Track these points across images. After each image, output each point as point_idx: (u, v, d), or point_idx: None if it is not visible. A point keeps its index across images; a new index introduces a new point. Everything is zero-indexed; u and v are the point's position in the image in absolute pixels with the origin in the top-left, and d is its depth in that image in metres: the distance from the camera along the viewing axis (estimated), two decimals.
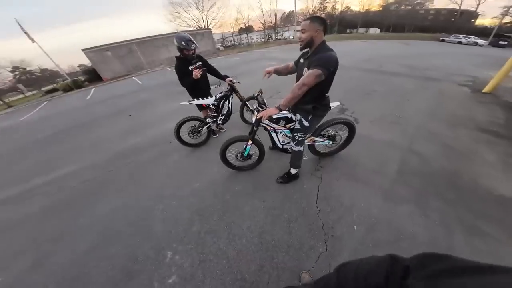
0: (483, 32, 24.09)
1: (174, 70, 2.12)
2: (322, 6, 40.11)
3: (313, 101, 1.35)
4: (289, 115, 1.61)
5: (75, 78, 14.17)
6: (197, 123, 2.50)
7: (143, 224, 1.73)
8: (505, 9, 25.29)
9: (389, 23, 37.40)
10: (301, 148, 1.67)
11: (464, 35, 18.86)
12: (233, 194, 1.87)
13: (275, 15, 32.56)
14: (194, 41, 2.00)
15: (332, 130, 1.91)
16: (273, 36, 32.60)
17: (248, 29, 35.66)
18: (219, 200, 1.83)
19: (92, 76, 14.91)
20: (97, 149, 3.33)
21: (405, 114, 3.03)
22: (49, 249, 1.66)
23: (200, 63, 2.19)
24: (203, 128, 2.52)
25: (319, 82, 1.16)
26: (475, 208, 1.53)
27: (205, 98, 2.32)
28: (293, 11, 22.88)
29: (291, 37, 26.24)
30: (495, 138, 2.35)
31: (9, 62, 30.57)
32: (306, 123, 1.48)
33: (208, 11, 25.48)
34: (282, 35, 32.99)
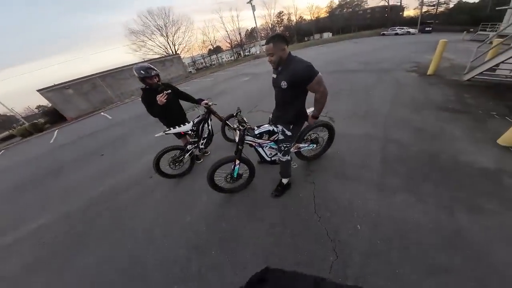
0: (411, 21, 28.63)
1: (142, 103, 2.02)
2: (279, 19, 44.14)
3: (293, 110, 1.41)
4: (271, 128, 1.62)
5: (34, 121, 12.71)
6: (177, 152, 2.35)
7: (137, 271, 1.53)
8: (420, 0, 30.56)
9: (338, 26, 42.68)
10: (289, 157, 1.67)
11: (399, 27, 22.22)
12: (228, 220, 1.75)
13: (239, 33, 34.51)
14: (154, 67, 1.94)
15: (313, 133, 1.97)
16: (242, 53, 34.27)
17: (217, 50, 37.00)
18: (215, 230, 1.69)
19: (53, 117, 13.59)
20: (69, 197, 2.94)
21: (373, 106, 3.29)
22: None
23: (169, 91, 2.09)
24: (185, 156, 2.39)
25: (301, 93, 1.32)
26: (465, 185, 1.61)
27: (181, 125, 2.23)
28: (255, 27, 24.58)
29: (257, 52, 27.86)
30: (454, 114, 2.65)
31: None
32: (288, 133, 1.51)
33: (173, 36, 25.88)
34: (249, 51, 34.91)
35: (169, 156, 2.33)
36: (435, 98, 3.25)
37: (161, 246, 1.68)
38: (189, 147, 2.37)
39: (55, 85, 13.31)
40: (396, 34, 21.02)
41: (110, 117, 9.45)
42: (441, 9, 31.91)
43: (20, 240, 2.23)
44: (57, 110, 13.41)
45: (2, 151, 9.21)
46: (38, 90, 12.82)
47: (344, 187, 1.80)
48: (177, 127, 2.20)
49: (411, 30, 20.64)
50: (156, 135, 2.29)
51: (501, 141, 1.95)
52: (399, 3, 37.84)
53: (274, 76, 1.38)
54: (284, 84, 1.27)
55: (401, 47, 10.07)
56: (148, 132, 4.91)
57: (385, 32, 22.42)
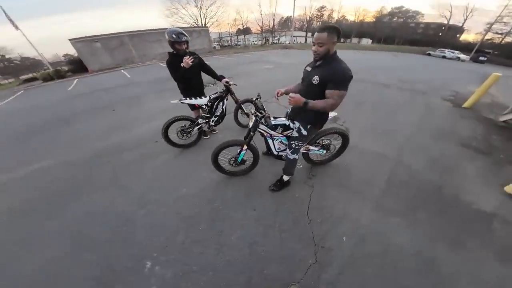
0: (466, 47, 25.24)
1: (166, 66, 2.01)
2: (319, 13, 41.32)
3: (315, 111, 1.33)
4: (287, 122, 1.57)
5: (58, 68, 13.24)
6: (187, 123, 2.38)
7: (122, 231, 1.59)
8: (488, 25, 27.01)
9: (380, 35, 39.21)
10: (297, 156, 1.64)
11: (449, 50, 20.02)
12: (223, 201, 1.79)
13: (273, 19, 32.98)
14: (186, 34, 1.91)
15: (327, 139, 1.91)
16: (270, 40, 32.92)
17: (246, 31, 35.77)
18: (208, 207, 1.74)
19: (77, 66, 14.06)
20: (74, 145, 3.06)
21: (394, 126, 3.14)
22: (9, 255, 1.47)
23: (196, 56, 2.07)
24: (194, 129, 2.41)
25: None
26: (456, 221, 1.60)
27: (198, 98, 2.22)
28: (291, 16, 23.28)
29: (287, 42, 26.66)
30: (474, 153, 2.50)
31: None
32: (304, 132, 1.47)
33: (206, 9, 25.20)
34: (279, 39, 33.44)
35: (179, 125, 2.36)
36: (461, 132, 3.06)
37: (152, 211, 1.74)
38: (199, 121, 2.38)
39: (86, 37, 13.66)
40: (444, 57, 19.07)
41: (129, 76, 9.57)
42: (508, 39, 27.70)
43: (17, 179, 2.31)
44: (82, 60, 13.78)
45: (22, 91, 9.59)
46: (70, 39, 13.19)
47: (342, 198, 1.79)
48: (193, 98, 2.20)
49: (462, 56, 18.56)
50: (171, 101, 2.28)
51: (509, 188, 1.87)
52: (460, 24, 33.95)
53: (308, 69, 1.31)
54: (316, 79, 1.20)
55: (445, 72, 9.35)
56: (162, 97, 4.96)
57: (431, 52, 20.48)
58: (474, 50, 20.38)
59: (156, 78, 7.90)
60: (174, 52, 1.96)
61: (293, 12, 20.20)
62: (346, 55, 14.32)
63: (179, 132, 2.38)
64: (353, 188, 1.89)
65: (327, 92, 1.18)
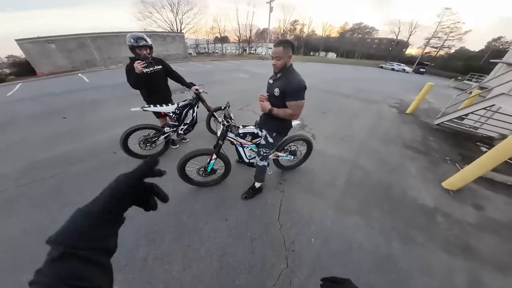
0: (410, 60, 30.35)
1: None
2: (292, 27, 44.75)
3: (279, 119, 1.42)
4: (255, 131, 1.62)
5: None
6: (151, 132, 2.20)
7: None
8: (426, 40, 32.53)
9: (343, 49, 44.43)
10: (266, 163, 1.69)
11: (397, 63, 23.94)
12: (191, 214, 1.69)
13: (250, 30, 34.23)
14: (146, 39, 1.82)
15: (293, 145, 2.03)
16: (247, 50, 33.96)
17: (224, 40, 36.18)
18: (173, 222, 1.62)
19: (22, 69, 11.91)
20: (9, 155, 2.55)
21: (352, 132, 3.53)
22: None
23: (150, 60, 1.85)
24: (159, 138, 2.25)
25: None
26: (405, 217, 1.82)
27: (164, 105, 2.10)
28: (267, 28, 24.62)
29: (263, 53, 27.89)
30: (415, 153, 2.97)
31: None
32: (270, 140, 1.53)
33: (183, 15, 24.81)
34: (255, 50, 34.75)
35: (142, 134, 2.17)
36: (404, 135, 3.61)
37: None
38: (166, 129, 2.24)
39: (38, 37, 11.88)
40: (393, 69, 22.54)
41: (87, 80, 8.52)
42: (441, 52, 33.75)
43: None
44: (29, 62, 11.76)
45: None
46: (17, 40, 11.26)
47: (309, 201, 1.89)
48: (158, 105, 2.07)
49: (406, 68, 22.24)
50: (132, 109, 2.10)
51: (445, 184, 2.24)
52: (406, 39, 39.67)
53: (271, 81, 1.40)
54: (277, 91, 1.29)
55: (393, 83, 11.05)
56: (124, 104, 4.53)
57: (383, 65, 24.07)
58: (416, 63, 24.67)
59: (119, 83, 7.22)
60: (135, 57, 1.84)
61: (269, 24, 21.35)
62: (315, 67, 15.76)
63: (142, 142, 2.19)
64: (317, 191, 2.02)
65: (287, 103, 1.30)
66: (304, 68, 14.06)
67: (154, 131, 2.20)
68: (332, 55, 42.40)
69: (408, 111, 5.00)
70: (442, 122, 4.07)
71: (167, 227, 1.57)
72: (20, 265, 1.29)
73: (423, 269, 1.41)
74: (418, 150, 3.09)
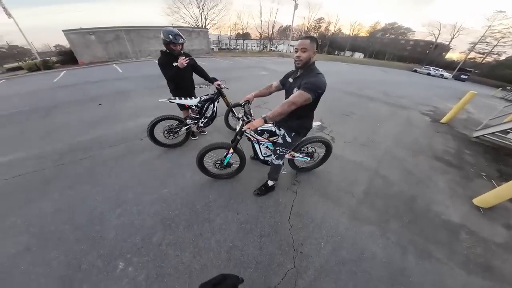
0: (450, 65, 27.00)
1: (158, 64, 2.00)
2: (317, 25, 42.89)
3: (299, 118, 1.38)
4: (273, 129, 1.62)
5: (46, 58, 12.63)
6: (175, 122, 2.35)
7: (94, 229, 1.53)
8: (472, 45, 28.81)
9: (372, 50, 41.18)
10: (281, 162, 1.68)
11: (434, 67, 21.43)
12: (205, 204, 1.77)
13: (273, 27, 33.78)
14: (183, 36, 1.93)
15: (311, 147, 1.98)
16: (268, 47, 33.60)
17: (245, 36, 36.33)
18: (188, 210, 1.71)
19: (67, 58, 13.55)
20: (51, 137, 2.90)
21: (375, 138, 3.31)
22: None
23: (191, 57, 2.09)
24: (182, 129, 2.39)
25: (310, 104, 1.21)
26: (426, 231, 1.69)
27: (188, 98, 2.21)
28: (289, 25, 24.05)
29: (284, 50, 27.38)
30: (446, 167, 2.69)
31: None
32: (288, 139, 1.50)
33: (208, 11, 25.57)
34: (276, 47, 34.23)
35: (166, 124, 2.32)
36: (436, 146, 3.28)
37: (128, 211, 1.68)
38: (188, 121, 2.37)
39: (81, 29, 13.39)
40: (429, 74, 20.27)
41: (120, 71, 9.30)
42: (489, 59, 29.77)
43: None
44: (73, 52, 13.28)
45: (3, 80, 9.00)
46: (64, 30, 12.88)
47: (322, 205, 1.84)
48: (183, 98, 2.18)
49: (445, 74, 19.89)
50: (160, 100, 2.24)
51: (476, 201, 2.02)
52: (447, 42, 35.62)
53: (291, 80, 1.36)
54: (296, 90, 1.23)
55: (427, 88, 10.03)
56: (152, 95, 4.86)
57: (417, 69, 21.80)
58: (457, 69, 21.90)
59: (148, 75, 7.74)
60: (167, 51, 1.96)
61: (292, 21, 20.89)
62: (337, 67, 14.98)
63: (166, 132, 2.34)
64: (333, 196, 1.95)
65: (296, 91, 1.19)
66: (326, 67, 13.46)
67: (177, 122, 2.34)
68: (359, 55, 39.69)
69: (443, 120, 4.50)
70: (482, 135, 3.60)
71: (183, 214, 1.66)
72: (49, 242, 1.43)
73: (437, 283, 1.32)
74: (450, 163, 2.79)
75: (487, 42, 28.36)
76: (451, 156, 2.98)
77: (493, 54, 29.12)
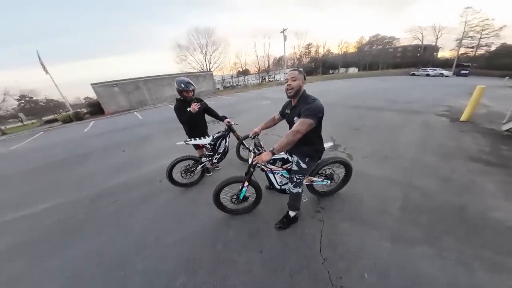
0: (446, 63, 26.99)
1: (174, 110, 2.24)
2: (307, 50, 46.85)
3: (309, 143, 1.40)
4: (286, 156, 1.61)
5: (78, 110, 14.77)
6: (191, 162, 2.46)
7: (119, 274, 1.52)
8: (458, 41, 28.71)
9: (365, 62, 42.90)
10: (300, 190, 1.60)
11: (431, 68, 21.39)
12: (225, 243, 1.68)
13: (268, 60, 37.50)
14: (193, 83, 2.18)
15: (329, 169, 1.90)
16: (266, 78, 36.61)
17: (245, 72, 40.27)
18: (209, 250, 1.63)
19: (95, 109, 15.72)
20: (83, 184, 3.17)
21: (397, 148, 3.13)
22: None
23: (203, 102, 2.34)
24: (198, 167, 2.48)
25: (314, 128, 1.26)
26: (491, 242, 1.43)
27: (202, 138, 2.37)
28: (282, 56, 26.54)
29: (281, 79, 29.57)
30: (488, 167, 2.39)
31: (18, 90, 29.98)
32: (303, 165, 1.48)
33: (211, 55, 29.40)
34: (274, 77, 37.19)
35: (183, 164, 2.44)
36: (467, 147, 2.99)
37: (152, 254, 1.67)
38: (203, 159, 2.47)
39: (105, 82, 15.84)
40: (428, 75, 20.31)
41: (141, 118, 10.46)
42: (481, 51, 29.42)
43: (19, 219, 2.41)
44: (100, 103, 15.47)
45: (41, 132, 10.54)
46: (92, 84, 15.27)
47: (356, 231, 1.65)
48: (197, 139, 2.34)
49: (445, 72, 19.80)
50: (177, 143, 2.40)
51: None
52: (434, 43, 36.24)
53: (288, 111, 1.43)
54: (296, 119, 1.29)
55: (433, 89, 9.79)
56: (170, 137, 5.26)
57: (415, 72, 21.89)
58: (454, 65, 21.64)
59: (165, 119, 8.56)
60: (182, 98, 2.21)
61: (284, 51, 23.09)
62: (334, 84, 15.52)
63: (183, 172, 2.44)
64: (366, 219, 1.76)
65: (298, 120, 1.23)
66: (324, 86, 14.00)
67: (194, 161, 2.45)
68: (353, 70, 41.34)
69: (462, 118, 4.21)
70: None
71: (203, 256, 1.58)
72: (77, 284, 1.48)
73: None
74: (490, 162, 2.49)
75: (471, 37, 28.57)
76: (488, 155, 2.68)
77: (482, 46, 29.03)
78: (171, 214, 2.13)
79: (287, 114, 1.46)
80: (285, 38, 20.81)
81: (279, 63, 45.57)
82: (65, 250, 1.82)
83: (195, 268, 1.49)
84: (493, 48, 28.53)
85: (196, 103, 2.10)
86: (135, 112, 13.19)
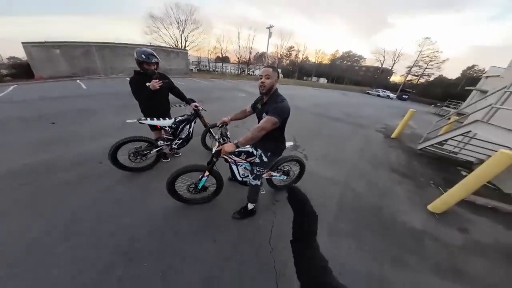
0: (394, 87, 31.70)
1: (129, 84, 1.92)
2: (288, 53, 48.40)
3: (273, 140, 1.47)
4: (251, 150, 1.65)
5: None
6: (144, 144, 2.16)
7: (33, 264, 1.26)
8: (408, 68, 35.13)
9: (334, 75, 47.83)
10: (259, 182, 1.67)
11: (382, 89, 25.60)
12: (176, 233, 1.59)
13: (250, 53, 36.60)
14: (157, 56, 1.93)
15: (287, 165, 2.05)
16: (246, 71, 35.89)
17: (225, 60, 38.14)
18: (156, 241, 1.52)
19: (20, 71, 11.82)
20: None
21: (343, 154, 3.66)
22: None
23: (166, 80, 2.07)
24: (152, 151, 2.21)
25: (280, 126, 1.31)
26: (395, 240, 1.83)
27: (161, 119, 2.12)
28: (265, 52, 26.48)
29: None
30: (401, 178, 3.08)
31: None
32: (265, 159, 1.55)
33: (188, 33, 26.19)
34: (253, 71, 36.81)
35: (133, 146, 2.12)
36: (391, 159, 3.78)
37: (83, 243, 1.44)
38: (160, 143, 2.22)
39: (45, 42, 12.15)
40: (378, 95, 24.17)
41: (84, 87, 8.50)
42: (422, 80, 36.30)
43: None
44: (30, 65, 11.77)
45: None
46: (23, 42, 11.52)
47: None
48: (155, 119, 2.08)
49: (391, 95, 23.98)
50: (127, 120, 2.05)
51: (430, 207, 2.32)
52: (390, 67, 42.57)
53: (259, 106, 1.47)
54: (264, 115, 1.33)
55: (378, 108, 11.84)
56: (119, 114, 4.49)
57: (369, 92, 25.75)
58: (399, 90, 26.42)
59: (117, 92, 7.24)
60: (141, 71, 1.92)
61: (267, 48, 22.95)
62: (308, 91, 16.78)
63: (132, 154, 2.12)
64: None
65: (265, 117, 1.28)
66: (297, 91, 14.95)
67: (147, 143, 2.17)
68: (323, 80, 45.39)
69: (393, 135, 5.31)
70: (424, 147, 4.30)
71: (149, 246, 1.46)
72: None
73: None
74: (404, 174, 3.22)
75: (419, 66, 35.12)
76: (404, 168, 3.45)
77: (425, 75, 36.18)
78: (113, 201, 1.86)
79: (258, 109, 1.49)
80: (270, 34, 20.73)
81: (260, 58, 45.30)
82: None
83: (137, 258, 1.36)
84: (432, 78, 35.44)
85: (157, 80, 1.86)
86: (78, 81, 10.62)
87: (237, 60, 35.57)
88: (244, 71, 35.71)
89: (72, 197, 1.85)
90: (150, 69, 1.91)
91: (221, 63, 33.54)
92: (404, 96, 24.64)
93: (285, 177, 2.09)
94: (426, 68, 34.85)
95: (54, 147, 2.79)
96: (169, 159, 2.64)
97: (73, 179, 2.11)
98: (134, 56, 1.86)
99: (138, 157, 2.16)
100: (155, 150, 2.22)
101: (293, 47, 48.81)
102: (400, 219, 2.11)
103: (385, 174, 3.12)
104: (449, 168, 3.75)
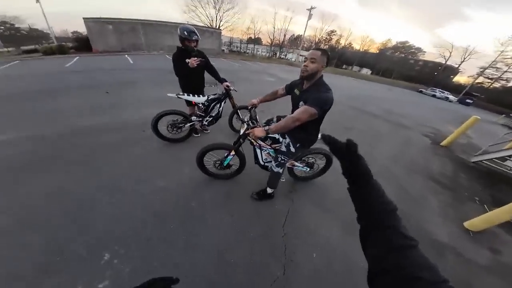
0: (457, 88, 26.30)
1: (171, 59, 2.05)
2: (328, 37, 43.37)
3: (305, 131, 1.38)
4: (277, 136, 1.62)
5: (62, 43, 12.98)
6: (180, 118, 2.37)
7: (82, 217, 1.52)
8: (481, 70, 28.60)
9: (380, 67, 41.10)
10: (281, 170, 1.67)
11: (440, 90, 20.83)
12: (200, 202, 1.77)
13: (285, 35, 34.25)
14: (197, 33, 1.99)
15: (312, 158, 1.98)
16: (277, 54, 34.01)
17: (256, 41, 36.76)
18: (183, 206, 1.71)
19: (82, 45, 14.00)
20: (53, 119, 2.93)
21: (374, 154, 3.33)
22: None
23: (203, 59, 2.16)
24: (186, 125, 2.41)
25: (316, 119, 1.20)
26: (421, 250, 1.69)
27: (196, 96, 2.25)
28: (301, 35, 24.38)
29: (293, 59, 27.69)
30: (441, 188, 2.71)
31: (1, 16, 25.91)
32: (292, 149, 1.50)
33: (224, 13, 26.06)
34: (286, 55, 34.65)
35: (171, 118, 2.34)
36: (432, 167, 3.30)
37: (121, 201, 1.68)
38: (193, 118, 2.39)
39: (100, 18, 13.83)
40: (434, 95, 19.93)
41: (132, 62, 9.44)
42: (497, 85, 29.38)
43: None
44: (89, 39, 13.61)
45: (17, 61, 9.12)
46: (84, 18, 13.32)
47: (317, 215, 1.84)
48: (191, 95, 2.22)
49: (450, 97, 19.62)
50: (168, 94, 2.25)
51: (467, 224, 2.04)
52: (457, 65, 34.67)
53: (297, 92, 1.34)
54: (301, 104, 1.22)
55: (430, 110, 10.06)
56: (161, 88, 4.91)
57: (423, 90, 21.43)
58: (463, 93, 21.47)
59: (159, 68, 7.85)
60: (183, 47, 2.02)
61: (305, 31, 21.19)
62: (346, 81, 15.15)
63: (170, 126, 2.36)
64: (328, 208, 1.96)
65: (303, 106, 1.17)
66: (333, 80, 13.62)
67: (182, 117, 2.36)
68: (366, 71, 39.86)
69: (443, 143, 4.52)
70: (480, 161, 3.62)
71: (175, 210, 1.66)
72: (32, 227, 1.41)
73: None
74: (444, 185, 2.81)
75: (497, 68, 28.03)
76: (446, 179, 3.00)
77: (502, 80, 28.78)
78: (150, 164, 2.13)
79: (295, 95, 1.37)
80: (310, 16, 18.87)
81: (295, 41, 41.87)
82: (19, 188, 1.69)
83: (164, 220, 1.56)
84: (510, 84, 28.18)
85: (196, 59, 1.94)
86: (126, 55, 11.82)
87: (269, 42, 33.74)
88: (275, 53, 33.87)
89: (118, 157, 2.18)
90: (191, 46, 1.99)
91: (252, 45, 32.38)
92: (468, 101, 19.50)
93: (308, 169, 2.03)
94: (505, 71, 27.42)
95: (106, 113, 3.26)
96: (199, 135, 2.85)
97: (120, 141, 2.47)
98: (178, 32, 1.94)
99: (175, 128, 2.40)
100: (188, 124, 2.41)
101: (335, 31, 43.01)
102: (426, 229, 1.92)
103: (421, 182, 2.77)
104: (502, 186, 3.12)
